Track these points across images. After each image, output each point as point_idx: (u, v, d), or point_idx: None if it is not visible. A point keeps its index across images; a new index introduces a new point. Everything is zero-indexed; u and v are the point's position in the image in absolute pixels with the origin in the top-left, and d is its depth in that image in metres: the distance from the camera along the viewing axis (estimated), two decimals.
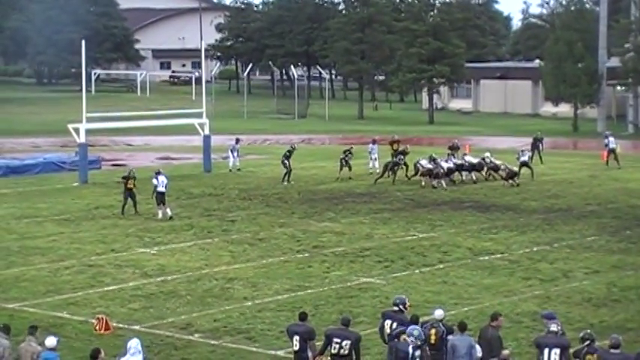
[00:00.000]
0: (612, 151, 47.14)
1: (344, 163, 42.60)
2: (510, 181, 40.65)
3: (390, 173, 41.59)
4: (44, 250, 28.49)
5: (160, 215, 33.16)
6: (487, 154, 43.29)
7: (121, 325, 20.85)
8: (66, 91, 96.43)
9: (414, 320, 16.20)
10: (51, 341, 15.52)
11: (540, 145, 49.05)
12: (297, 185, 40.76)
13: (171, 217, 32.99)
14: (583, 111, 71.33)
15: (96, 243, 29.42)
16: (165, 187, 33.56)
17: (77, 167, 42.83)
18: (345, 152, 43.03)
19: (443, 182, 40.20)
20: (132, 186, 33.85)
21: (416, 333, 15.37)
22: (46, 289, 24.07)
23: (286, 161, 41.64)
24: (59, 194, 38.76)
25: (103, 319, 20.53)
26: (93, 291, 23.86)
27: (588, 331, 15.85)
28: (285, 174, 41.45)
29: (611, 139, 47.72)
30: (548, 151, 50.72)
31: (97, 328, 20.43)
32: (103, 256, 27.60)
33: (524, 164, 42.53)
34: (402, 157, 42.35)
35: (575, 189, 40.40)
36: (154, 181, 33.70)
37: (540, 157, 47.93)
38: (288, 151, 42.22)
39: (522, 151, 44.11)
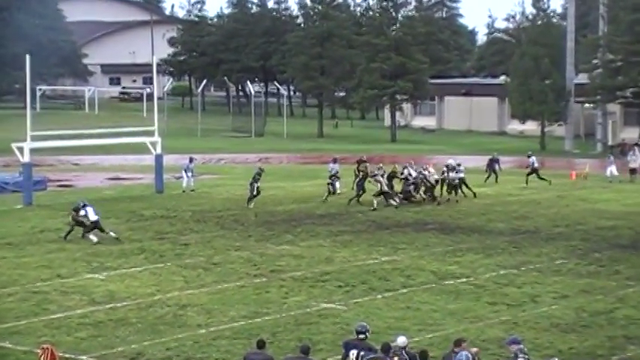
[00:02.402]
0: (535, 170, 47.56)
1: (331, 189, 42.54)
2: (449, 196, 40.97)
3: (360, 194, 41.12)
4: None
5: (95, 239, 32.11)
6: (430, 168, 42.74)
7: (67, 355, 20.32)
8: (9, 109, 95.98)
9: (386, 348, 16.06)
10: None
11: (497, 165, 49.49)
12: (253, 206, 40.28)
13: (117, 239, 32.42)
14: (550, 129, 71.27)
15: (41, 268, 28.80)
16: (98, 214, 32.69)
17: (21, 188, 42.16)
18: (330, 177, 42.87)
19: (392, 201, 39.87)
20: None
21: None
22: None
23: (255, 184, 40.67)
24: (1, 217, 38.11)
25: (48, 349, 19.72)
26: (37, 319, 23.31)
27: (555, 358, 16.03)
28: (250, 197, 40.49)
29: (534, 158, 48.31)
30: (515, 171, 51.35)
31: (42, 358, 19.60)
32: (48, 282, 27.03)
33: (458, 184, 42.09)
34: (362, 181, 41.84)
35: (543, 210, 40.39)
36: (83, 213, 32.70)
37: (496, 177, 48.29)
38: (257, 174, 41.32)
39: (458, 166, 42.95)
